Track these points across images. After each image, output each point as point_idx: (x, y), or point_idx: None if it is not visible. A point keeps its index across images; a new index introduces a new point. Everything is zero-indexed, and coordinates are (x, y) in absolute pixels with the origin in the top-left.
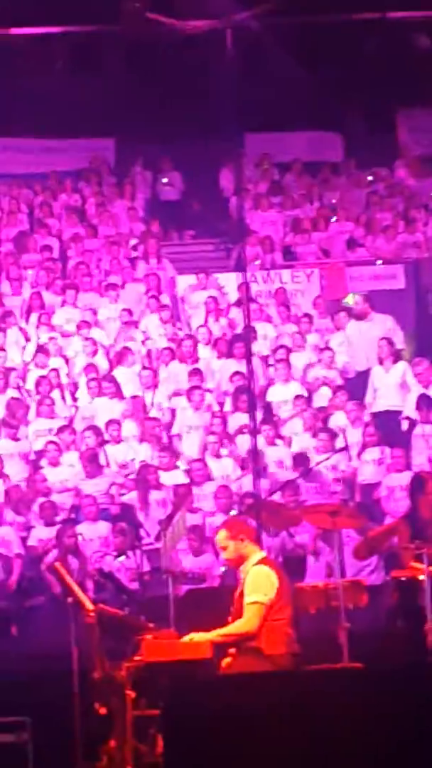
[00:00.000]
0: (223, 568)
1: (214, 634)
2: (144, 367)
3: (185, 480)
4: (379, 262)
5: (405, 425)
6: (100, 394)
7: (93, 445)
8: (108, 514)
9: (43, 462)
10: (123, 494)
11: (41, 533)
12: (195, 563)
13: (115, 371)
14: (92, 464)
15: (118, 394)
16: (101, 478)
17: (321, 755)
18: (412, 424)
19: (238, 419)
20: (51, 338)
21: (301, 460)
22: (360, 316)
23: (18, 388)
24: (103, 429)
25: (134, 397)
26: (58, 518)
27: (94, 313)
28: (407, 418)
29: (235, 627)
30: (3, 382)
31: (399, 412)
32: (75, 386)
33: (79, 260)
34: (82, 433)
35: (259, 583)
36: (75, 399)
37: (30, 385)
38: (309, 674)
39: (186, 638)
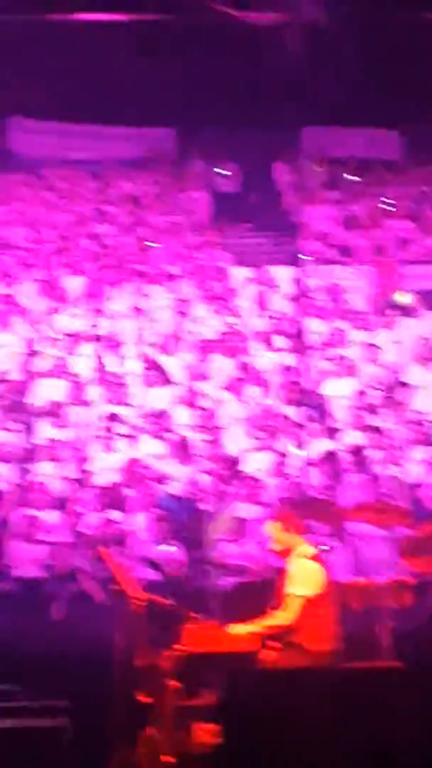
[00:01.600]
0: None
1: (254, 627)
2: (195, 358)
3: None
4: None
5: None
6: (151, 383)
7: (153, 431)
8: (164, 503)
9: (94, 450)
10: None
11: (92, 520)
12: (238, 554)
13: (165, 360)
14: (182, 452)
15: (167, 382)
16: (191, 466)
17: (359, 752)
18: None
19: (287, 413)
20: (99, 325)
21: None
22: (411, 314)
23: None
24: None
25: (185, 386)
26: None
27: (149, 301)
28: None
29: (274, 619)
30: (54, 368)
31: None
32: (125, 375)
33: (136, 248)
34: (146, 419)
35: (303, 577)
36: (125, 387)
37: (81, 371)
38: (349, 672)
39: (228, 630)
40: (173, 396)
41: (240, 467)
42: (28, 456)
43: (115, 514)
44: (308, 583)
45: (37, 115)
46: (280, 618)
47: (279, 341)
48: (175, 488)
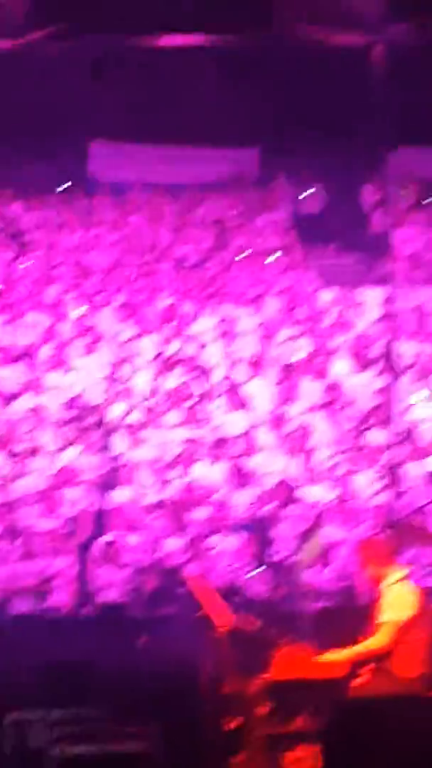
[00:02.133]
0: None
1: (346, 653)
2: (281, 380)
3: (326, 495)
4: None
5: None
6: (235, 406)
7: (234, 455)
8: (246, 527)
9: (174, 472)
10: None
11: (173, 544)
12: (327, 578)
13: (252, 383)
14: (239, 475)
15: (251, 406)
16: (247, 490)
17: None
18: None
19: (377, 435)
20: (186, 348)
21: None
22: None
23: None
24: (242, 440)
25: (272, 409)
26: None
27: (234, 324)
28: None
29: (365, 645)
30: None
31: None
32: (210, 396)
33: (219, 271)
34: (221, 443)
35: (396, 602)
36: (209, 410)
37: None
38: None
39: (319, 657)
40: (258, 419)
41: (332, 491)
42: (108, 479)
43: (199, 538)
44: (400, 608)
45: (119, 139)
46: (373, 644)
47: (366, 364)
48: (259, 512)
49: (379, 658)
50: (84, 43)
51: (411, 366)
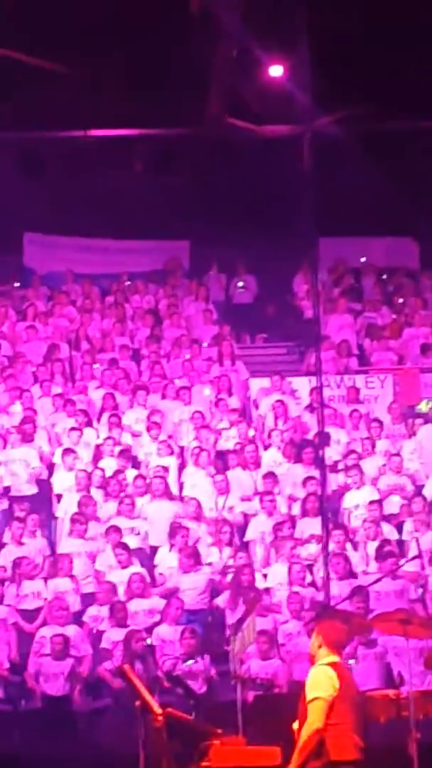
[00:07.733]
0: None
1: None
2: (217, 471)
3: (259, 585)
4: None
5: None
6: (170, 496)
7: (178, 545)
8: (200, 615)
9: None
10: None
11: (114, 635)
12: (263, 668)
13: (186, 473)
14: (192, 559)
15: (182, 495)
16: (199, 574)
17: None
18: None
19: (308, 524)
20: (120, 439)
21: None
22: None
23: (88, 487)
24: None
25: (207, 499)
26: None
27: (164, 415)
28: None
29: (304, 733)
30: (77, 481)
31: None
32: (141, 487)
33: (153, 361)
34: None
35: (317, 681)
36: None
37: (96, 484)
38: None
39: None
40: (191, 509)
41: (265, 581)
42: (48, 571)
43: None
44: (324, 685)
45: (53, 232)
46: (308, 727)
47: (298, 452)
48: (196, 601)
49: (318, 734)
50: (15, 137)
51: (343, 454)
